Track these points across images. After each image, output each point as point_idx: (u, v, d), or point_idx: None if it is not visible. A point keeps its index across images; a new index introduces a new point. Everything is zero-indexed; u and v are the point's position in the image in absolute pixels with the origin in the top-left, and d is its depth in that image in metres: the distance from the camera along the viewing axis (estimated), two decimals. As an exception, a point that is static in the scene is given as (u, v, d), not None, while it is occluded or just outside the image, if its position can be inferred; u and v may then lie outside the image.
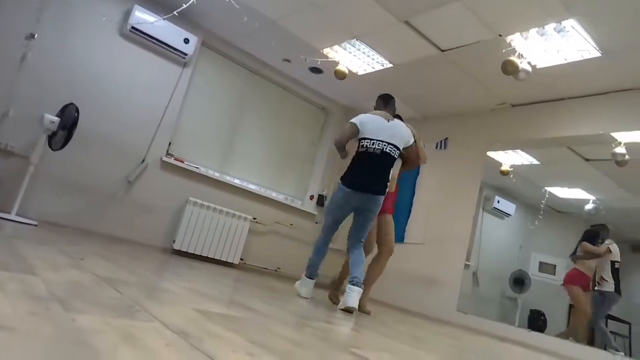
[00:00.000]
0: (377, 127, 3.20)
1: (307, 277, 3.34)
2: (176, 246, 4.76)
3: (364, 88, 5.55)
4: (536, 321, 7.98)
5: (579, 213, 7.73)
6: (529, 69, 3.77)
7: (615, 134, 4.35)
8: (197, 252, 4.88)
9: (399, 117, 3.59)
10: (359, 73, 5.11)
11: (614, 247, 5.24)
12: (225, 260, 5.06)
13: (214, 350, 1.04)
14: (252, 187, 5.55)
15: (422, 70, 4.75)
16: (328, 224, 3.32)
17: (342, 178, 3.20)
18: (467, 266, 6.46)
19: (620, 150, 4.67)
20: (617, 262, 5.15)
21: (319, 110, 6.29)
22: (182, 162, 4.99)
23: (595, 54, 3.68)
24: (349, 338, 1.76)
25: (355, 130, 3.26)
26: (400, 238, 5.60)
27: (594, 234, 5.51)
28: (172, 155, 4.98)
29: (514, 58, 3.72)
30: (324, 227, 3.36)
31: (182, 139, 5.12)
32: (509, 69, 3.72)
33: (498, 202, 7.68)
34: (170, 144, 4.97)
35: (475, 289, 7.49)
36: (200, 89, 5.24)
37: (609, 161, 4.71)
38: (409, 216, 5.63)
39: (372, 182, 3.12)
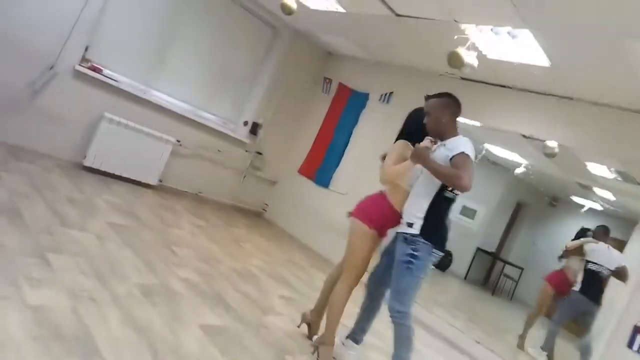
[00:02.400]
0: None
1: None
2: (87, 163, 4.54)
3: (315, 22, 5.07)
4: (443, 260, 8.68)
5: (510, 168, 7.96)
6: (475, 64, 3.51)
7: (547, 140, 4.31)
8: (110, 171, 4.70)
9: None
10: (311, 7, 4.59)
11: (590, 246, 4.77)
12: (141, 181, 4.93)
13: None
14: (180, 106, 5.21)
15: (375, 25, 4.33)
16: (412, 303, 2.43)
17: (430, 238, 2.35)
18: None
19: (552, 144, 4.68)
20: (592, 262, 4.66)
21: (267, 27, 5.73)
22: (101, 71, 4.54)
23: (545, 62, 3.45)
24: None
25: None
26: (325, 183, 5.63)
27: (580, 234, 5.19)
28: (89, 61, 4.49)
29: (460, 51, 3.44)
30: (410, 305, 2.40)
31: (102, 45, 4.58)
32: (454, 62, 3.46)
33: (436, 149, 7.72)
34: (87, 48, 4.45)
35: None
36: (130, -12, 4.57)
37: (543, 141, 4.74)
38: (338, 164, 5.58)
39: None
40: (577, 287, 4.76)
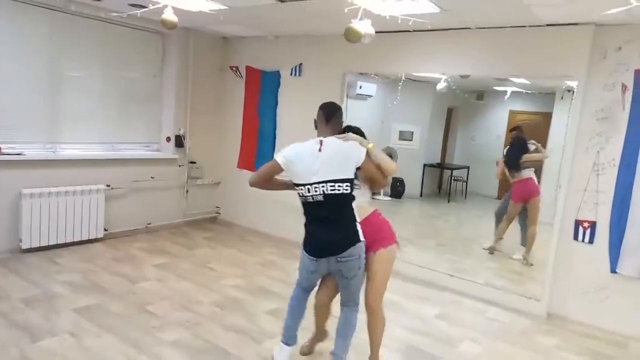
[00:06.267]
0: (306, 166, 2.40)
1: (282, 342, 2.67)
2: (25, 246, 4.32)
3: (201, 19, 4.81)
4: (396, 188, 9.07)
5: (432, 82, 8.18)
6: (372, 32, 3.50)
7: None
8: (53, 243, 4.50)
9: (351, 128, 2.69)
10: (193, 11, 4.33)
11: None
12: (87, 239, 4.77)
13: None
14: (95, 150, 4.95)
15: (263, 13, 4.18)
16: (300, 283, 2.68)
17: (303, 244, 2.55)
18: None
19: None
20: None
21: (153, 35, 5.38)
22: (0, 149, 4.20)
23: (434, 9, 3.51)
24: None
25: (277, 170, 2.49)
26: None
27: (523, 142, 5.40)
28: (-18, 144, 4.13)
29: (354, 25, 3.41)
30: (297, 281, 2.70)
31: (-11, 121, 4.20)
32: (352, 38, 3.43)
33: (360, 87, 7.84)
34: (-26, 132, 4.07)
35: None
36: (-10, 51, 4.12)
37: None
38: (274, 149, 5.56)
39: (331, 241, 2.43)
40: None
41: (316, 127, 2.62)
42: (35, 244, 4.38)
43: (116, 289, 3.75)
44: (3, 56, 4.20)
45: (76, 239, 4.68)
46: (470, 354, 3.17)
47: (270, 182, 2.56)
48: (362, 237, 2.45)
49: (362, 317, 2.66)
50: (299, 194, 2.46)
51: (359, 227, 2.46)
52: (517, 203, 5.32)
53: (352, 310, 2.60)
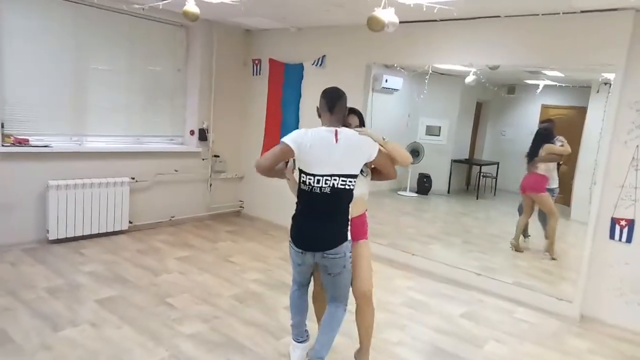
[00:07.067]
0: (321, 155, 2.27)
1: (293, 340, 2.67)
2: (51, 236, 4.41)
3: (223, 11, 4.78)
4: (423, 184, 8.88)
5: (460, 75, 7.95)
6: (396, 21, 3.38)
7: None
8: (79, 234, 4.58)
9: (353, 110, 2.67)
10: (214, 2, 4.31)
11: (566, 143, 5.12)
12: (112, 231, 4.83)
13: None
14: (120, 143, 5.00)
15: (283, 3, 4.11)
16: (294, 279, 2.66)
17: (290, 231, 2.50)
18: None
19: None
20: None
21: (177, 28, 5.40)
22: (27, 141, 4.28)
23: (462, -2, 3.37)
24: None
25: (288, 155, 2.34)
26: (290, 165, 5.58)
27: (549, 133, 5.18)
28: (11, 137, 4.22)
29: (377, 14, 3.30)
30: (293, 277, 2.67)
31: (17, 115, 4.28)
32: (375, 27, 3.33)
33: (386, 81, 7.70)
34: (2, 125, 4.16)
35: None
36: (20, 43, 4.20)
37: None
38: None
39: (323, 235, 2.34)
40: (555, 184, 5.28)
41: (319, 116, 2.43)
42: (62, 235, 4.47)
43: (138, 281, 3.78)
44: (31, 50, 4.28)
45: (101, 231, 4.75)
46: (496, 355, 3.04)
47: (274, 168, 2.42)
48: (349, 237, 2.39)
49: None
50: (303, 182, 2.31)
51: (349, 225, 2.39)
52: (522, 194, 5.32)
53: (340, 306, 2.50)
